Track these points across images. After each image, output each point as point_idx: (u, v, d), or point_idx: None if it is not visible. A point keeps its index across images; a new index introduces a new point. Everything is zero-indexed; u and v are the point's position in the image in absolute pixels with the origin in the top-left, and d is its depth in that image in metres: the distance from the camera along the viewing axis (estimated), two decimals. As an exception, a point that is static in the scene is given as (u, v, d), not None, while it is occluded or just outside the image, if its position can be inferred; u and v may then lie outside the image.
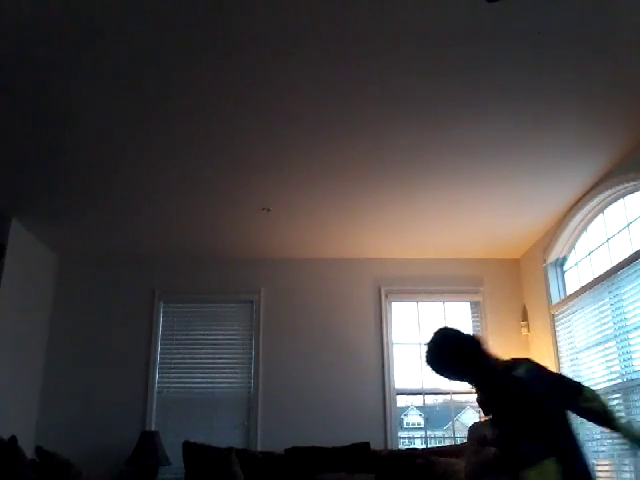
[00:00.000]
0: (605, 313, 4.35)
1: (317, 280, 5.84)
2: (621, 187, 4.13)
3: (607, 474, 4.32)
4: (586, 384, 2.23)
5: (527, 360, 2.32)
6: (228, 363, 5.62)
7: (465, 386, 5.65)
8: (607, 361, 4.32)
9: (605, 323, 4.36)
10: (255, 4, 2.63)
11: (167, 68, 3.07)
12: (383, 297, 5.77)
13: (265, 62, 3.02)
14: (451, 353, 2.31)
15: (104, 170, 4.17)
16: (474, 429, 3.10)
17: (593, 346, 4.52)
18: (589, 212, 4.63)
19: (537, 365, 2.30)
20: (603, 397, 2.23)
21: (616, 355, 4.19)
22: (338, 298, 5.78)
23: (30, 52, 2.91)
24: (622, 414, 4.07)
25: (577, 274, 4.93)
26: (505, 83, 3.21)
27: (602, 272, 4.34)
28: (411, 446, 5.60)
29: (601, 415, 2.20)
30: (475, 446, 3.00)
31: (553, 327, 5.08)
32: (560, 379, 2.34)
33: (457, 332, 2.38)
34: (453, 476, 4.50)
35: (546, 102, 3.40)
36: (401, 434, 5.63)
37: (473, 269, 5.86)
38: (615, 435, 2.98)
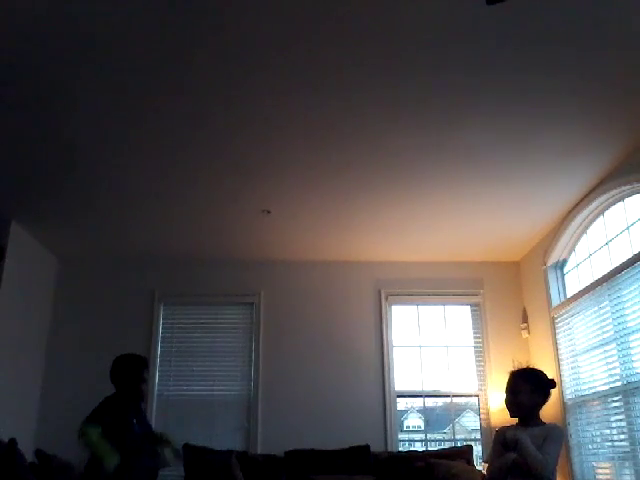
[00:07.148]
0: (605, 315, 4.34)
1: (317, 283, 5.83)
2: (621, 189, 4.13)
3: (607, 476, 4.32)
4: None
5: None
6: (228, 365, 5.61)
7: (465, 388, 5.66)
8: (607, 364, 4.31)
9: (605, 325, 4.35)
10: (252, 4, 2.64)
11: (167, 71, 3.07)
12: (383, 300, 5.77)
13: (264, 63, 3.02)
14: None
15: (104, 172, 4.17)
16: (499, 432, 3.12)
17: (593, 349, 4.51)
18: (589, 214, 4.63)
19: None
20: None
21: (616, 357, 4.19)
22: (338, 301, 5.78)
23: (30, 54, 2.92)
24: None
25: (577, 276, 4.93)
26: (505, 84, 3.21)
27: (602, 274, 4.34)
28: (411, 448, 5.58)
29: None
30: (499, 449, 3.02)
31: (553, 330, 5.07)
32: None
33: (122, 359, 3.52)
34: (452, 478, 4.50)
35: (546, 104, 3.40)
36: (401, 436, 5.63)
37: (473, 272, 5.85)
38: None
